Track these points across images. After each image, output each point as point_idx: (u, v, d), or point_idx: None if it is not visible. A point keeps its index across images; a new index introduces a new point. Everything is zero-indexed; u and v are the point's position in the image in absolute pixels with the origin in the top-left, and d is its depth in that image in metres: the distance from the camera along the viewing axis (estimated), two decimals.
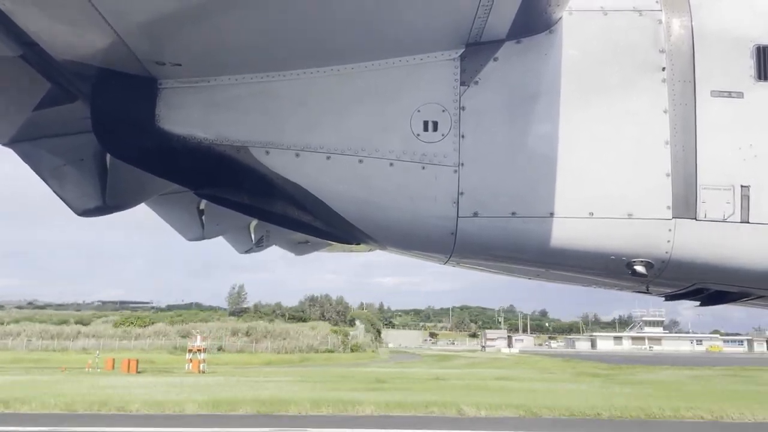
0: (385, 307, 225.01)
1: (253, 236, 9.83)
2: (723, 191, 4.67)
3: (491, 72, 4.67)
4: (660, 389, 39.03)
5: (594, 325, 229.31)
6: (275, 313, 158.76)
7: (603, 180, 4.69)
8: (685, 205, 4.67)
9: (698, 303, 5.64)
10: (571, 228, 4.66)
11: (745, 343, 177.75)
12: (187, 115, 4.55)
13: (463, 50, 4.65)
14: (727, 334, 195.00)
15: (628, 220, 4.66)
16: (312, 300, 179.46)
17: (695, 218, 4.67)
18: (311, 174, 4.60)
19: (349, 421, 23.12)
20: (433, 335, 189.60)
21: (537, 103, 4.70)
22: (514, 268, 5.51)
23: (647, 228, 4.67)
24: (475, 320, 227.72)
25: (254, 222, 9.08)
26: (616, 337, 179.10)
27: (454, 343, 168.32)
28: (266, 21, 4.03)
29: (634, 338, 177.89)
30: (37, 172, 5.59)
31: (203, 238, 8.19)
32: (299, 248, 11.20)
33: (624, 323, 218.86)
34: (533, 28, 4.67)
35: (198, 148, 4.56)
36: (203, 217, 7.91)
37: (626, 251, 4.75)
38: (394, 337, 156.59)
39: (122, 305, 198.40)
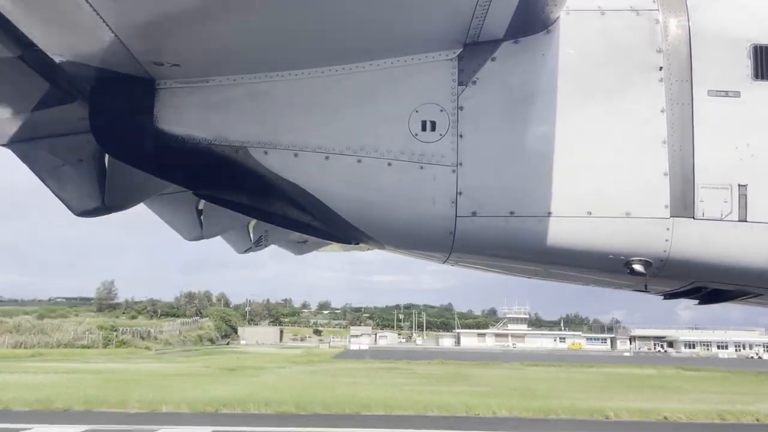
0: (276, 302, 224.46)
1: (251, 236, 9.84)
2: (720, 190, 4.68)
3: (489, 72, 4.68)
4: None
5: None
6: (147, 309, 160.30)
7: (601, 179, 4.70)
8: (683, 204, 4.68)
9: (696, 301, 5.65)
10: (569, 227, 4.67)
11: (609, 341, 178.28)
12: (186, 116, 4.55)
13: (460, 50, 4.65)
14: (592, 332, 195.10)
15: (626, 219, 4.67)
16: (189, 296, 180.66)
17: (693, 217, 4.68)
18: (310, 174, 4.60)
19: None
20: (317, 332, 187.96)
21: (535, 102, 4.70)
22: (513, 267, 5.52)
23: (645, 227, 4.68)
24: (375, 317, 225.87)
25: (253, 222, 9.08)
26: (479, 334, 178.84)
27: (302, 340, 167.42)
28: (264, 22, 4.03)
29: (497, 335, 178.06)
30: (35, 173, 5.59)
31: (202, 238, 8.19)
32: (298, 248, 11.22)
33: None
34: (531, 28, 4.67)
35: (196, 149, 4.56)
36: (202, 217, 7.92)
37: (624, 250, 4.76)
38: (252, 334, 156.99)
39: None
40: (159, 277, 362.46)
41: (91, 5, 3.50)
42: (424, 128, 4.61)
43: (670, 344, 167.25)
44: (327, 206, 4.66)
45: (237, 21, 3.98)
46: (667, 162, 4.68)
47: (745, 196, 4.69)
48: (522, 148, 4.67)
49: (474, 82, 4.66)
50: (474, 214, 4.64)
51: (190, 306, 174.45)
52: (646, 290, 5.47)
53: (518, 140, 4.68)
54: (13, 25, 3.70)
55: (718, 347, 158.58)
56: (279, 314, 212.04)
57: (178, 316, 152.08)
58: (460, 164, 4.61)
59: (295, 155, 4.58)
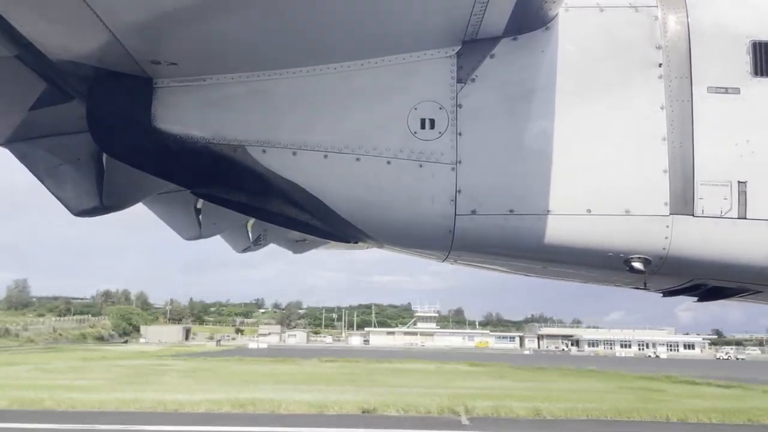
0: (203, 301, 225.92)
1: (250, 235, 9.83)
2: (720, 187, 4.68)
3: (488, 69, 4.66)
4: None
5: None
6: (59, 308, 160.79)
7: (600, 177, 4.69)
8: (683, 201, 4.67)
9: (696, 299, 5.65)
10: (568, 225, 4.67)
11: (517, 339, 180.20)
12: (184, 115, 4.54)
13: (459, 47, 4.64)
14: (499, 331, 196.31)
15: (626, 217, 4.67)
16: (106, 295, 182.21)
17: (693, 214, 4.67)
18: (308, 172, 4.58)
19: None
20: (239, 331, 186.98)
21: (534, 100, 4.69)
22: (512, 266, 5.51)
23: (645, 224, 4.68)
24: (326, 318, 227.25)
25: (251, 221, 9.08)
26: (389, 332, 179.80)
27: (214, 339, 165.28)
28: (262, 19, 4.02)
29: (407, 333, 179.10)
30: (33, 172, 5.58)
31: (200, 237, 8.18)
32: (297, 246, 11.21)
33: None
34: (530, 24, 4.66)
35: (194, 148, 4.55)
36: (200, 216, 7.91)
37: (624, 248, 4.75)
38: (155, 333, 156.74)
39: None
40: (160, 277, 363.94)
41: (88, 4, 3.49)
42: (423, 126, 4.60)
43: (576, 343, 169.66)
44: (325, 205, 4.65)
45: (235, 19, 3.97)
46: (666, 159, 4.67)
47: (745, 193, 4.68)
48: (521, 146, 4.66)
49: (473, 80, 4.65)
50: (473, 212, 4.63)
51: (106, 304, 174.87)
52: (645, 288, 5.47)
53: (517, 138, 4.67)
54: (10, 24, 3.68)
55: (621, 346, 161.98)
56: (204, 314, 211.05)
57: (95, 315, 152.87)
58: (460, 162, 4.60)
59: (294, 154, 4.57)
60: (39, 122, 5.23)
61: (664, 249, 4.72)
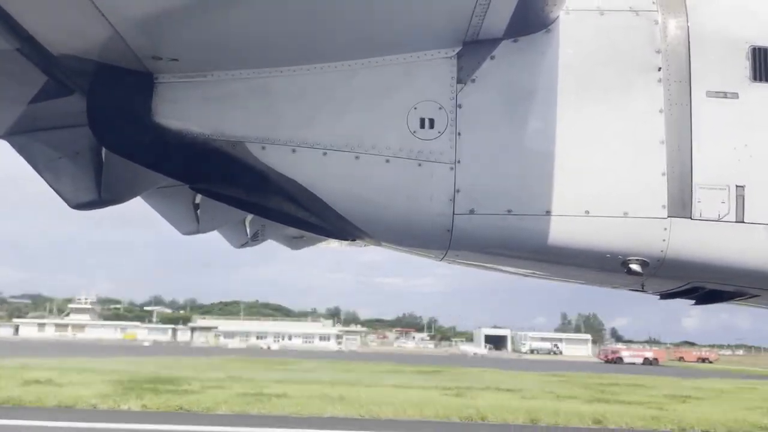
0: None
1: (248, 231, 9.82)
2: (718, 191, 4.69)
3: (488, 70, 4.67)
4: None
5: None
6: None
7: (599, 179, 4.70)
8: (681, 204, 4.69)
9: (693, 302, 5.67)
10: (567, 226, 4.68)
11: (170, 331, 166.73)
12: (184, 110, 4.54)
13: (460, 48, 4.65)
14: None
15: (624, 219, 4.68)
16: None
17: (690, 217, 4.69)
18: (307, 170, 4.59)
19: None
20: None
21: (533, 101, 4.71)
22: (510, 266, 5.53)
23: (643, 227, 4.69)
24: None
25: (250, 216, 9.07)
26: (40, 324, 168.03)
27: None
28: (263, 17, 4.03)
29: (58, 325, 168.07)
30: (32, 165, 5.58)
31: (198, 233, 8.18)
32: (294, 243, 11.20)
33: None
34: (530, 27, 4.67)
35: (194, 143, 4.55)
36: (198, 212, 7.90)
37: (622, 250, 4.76)
38: None
39: None
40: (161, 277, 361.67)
41: None
42: (422, 125, 4.60)
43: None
44: (324, 202, 4.65)
45: (236, 16, 3.98)
46: (665, 162, 4.69)
47: (743, 197, 4.70)
48: (520, 147, 4.68)
49: (473, 81, 4.66)
50: (472, 212, 4.64)
51: None
52: (642, 290, 5.49)
53: (517, 139, 4.68)
54: (12, 18, 3.68)
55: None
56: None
57: None
58: (458, 162, 4.61)
59: (293, 151, 4.57)
60: (39, 115, 5.23)
61: (661, 251, 4.73)
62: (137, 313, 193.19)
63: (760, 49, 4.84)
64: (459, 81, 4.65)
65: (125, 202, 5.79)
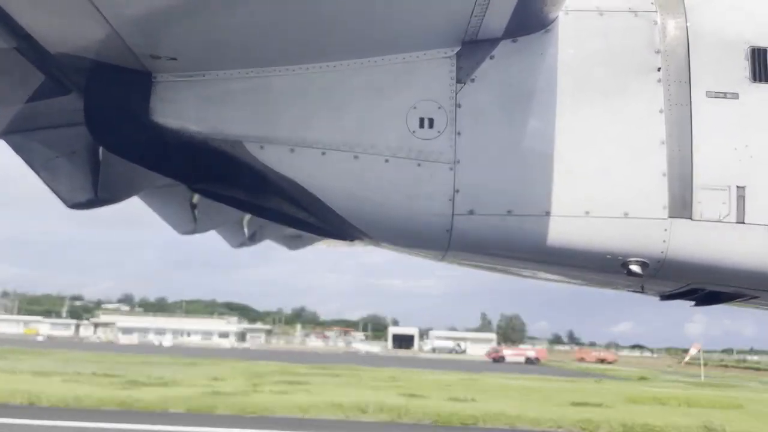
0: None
1: (246, 230, 9.81)
2: (719, 191, 4.68)
3: (487, 70, 4.66)
4: None
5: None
6: None
7: (599, 179, 4.69)
8: (681, 205, 4.67)
9: (693, 303, 5.65)
10: (566, 227, 4.66)
11: (73, 326, 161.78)
12: (182, 109, 4.52)
13: (459, 48, 4.63)
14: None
15: (624, 220, 4.66)
16: None
17: (691, 218, 4.67)
18: (306, 170, 4.57)
19: None
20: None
21: (533, 101, 4.69)
22: (510, 267, 5.51)
23: (643, 227, 4.68)
24: None
25: (248, 216, 9.06)
26: None
27: None
28: (262, 16, 4.01)
29: None
30: (29, 164, 5.56)
31: (196, 232, 8.17)
32: (292, 243, 11.20)
33: None
34: (529, 27, 4.66)
35: (192, 142, 4.53)
36: (196, 211, 7.89)
37: (622, 250, 4.75)
38: None
39: None
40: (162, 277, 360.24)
41: None
42: (422, 125, 4.59)
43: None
44: (323, 202, 4.63)
45: (235, 15, 3.95)
46: (665, 163, 4.68)
47: (743, 197, 4.69)
48: (520, 147, 4.66)
49: (472, 80, 4.64)
50: (471, 212, 4.62)
51: None
52: (642, 291, 5.48)
53: (516, 139, 4.67)
54: (9, 16, 3.66)
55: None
56: None
57: None
58: (458, 162, 4.59)
59: (292, 150, 4.55)
60: (36, 114, 5.21)
61: (662, 252, 4.72)
62: (48, 308, 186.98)
63: (759, 49, 4.84)
64: (458, 81, 4.63)
65: (122, 202, 5.78)
